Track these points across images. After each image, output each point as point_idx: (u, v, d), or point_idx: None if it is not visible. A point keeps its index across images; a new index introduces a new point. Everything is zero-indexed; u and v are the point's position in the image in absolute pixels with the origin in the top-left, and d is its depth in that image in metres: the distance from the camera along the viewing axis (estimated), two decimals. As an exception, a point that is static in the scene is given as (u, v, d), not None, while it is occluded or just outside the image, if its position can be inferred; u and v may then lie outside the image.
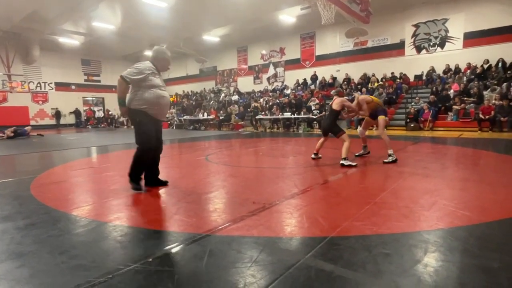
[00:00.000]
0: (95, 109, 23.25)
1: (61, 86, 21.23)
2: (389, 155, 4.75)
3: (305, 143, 8.22)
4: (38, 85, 20.35)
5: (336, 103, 4.94)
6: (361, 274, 1.57)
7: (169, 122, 18.61)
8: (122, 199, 3.12)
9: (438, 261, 1.71)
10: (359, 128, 5.40)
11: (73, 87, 21.86)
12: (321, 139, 5.23)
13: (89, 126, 20.79)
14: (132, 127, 3.41)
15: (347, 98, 4.92)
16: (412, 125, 11.13)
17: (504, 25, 11.69)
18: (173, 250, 1.91)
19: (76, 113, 21.90)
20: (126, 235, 2.20)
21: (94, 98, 23.41)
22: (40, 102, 20.56)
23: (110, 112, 21.74)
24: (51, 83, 20.85)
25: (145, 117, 3.25)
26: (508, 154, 5.58)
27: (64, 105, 21.22)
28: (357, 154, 5.50)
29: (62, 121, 21.17)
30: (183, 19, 14.19)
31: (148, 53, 21.26)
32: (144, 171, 3.46)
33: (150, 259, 1.79)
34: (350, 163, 4.55)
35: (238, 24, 15.22)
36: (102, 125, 20.94)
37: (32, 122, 19.95)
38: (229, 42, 18.47)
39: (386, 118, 4.99)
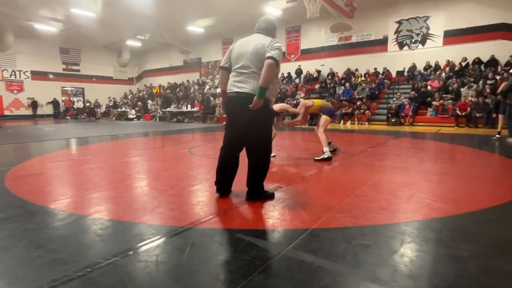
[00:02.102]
0: (75, 99, 22.49)
1: (38, 75, 20.36)
2: (324, 152, 4.67)
3: (289, 137, 8.28)
4: (13, 73, 19.44)
5: (278, 105, 5.03)
6: (340, 265, 1.61)
7: (151, 114, 18.28)
8: (102, 192, 3.06)
9: (414, 251, 1.78)
10: (316, 128, 5.56)
11: (50, 76, 21.00)
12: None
13: (68, 117, 20.11)
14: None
15: (292, 103, 5.15)
16: (393, 120, 11.41)
17: (481, 24, 12.08)
18: (155, 243, 1.89)
19: (54, 103, 21.07)
20: (106, 228, 2.16)
21: (73, 88, 22.60)
22: (15, 91, 19.66)
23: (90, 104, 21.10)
24: (26, 71, 19.94)
25: (270, 109, 2.64)
26: (481, 149, 5.82)
27: (41, 95, 20.37)
28: (330, 150, 5.61)
29: (39, 111, 20.33)
30: (167, 9, 13.84)
31: (132, 43, 20.73)
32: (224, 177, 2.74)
33: (131, 253, 1.77)
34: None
35: (223, 15, 15.01)
36: (82, 116, 20.31)
37: (7, 112, 19.13)
38: (214, 34, 18.20)
39: (329, 119, 5.08)
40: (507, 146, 5.95)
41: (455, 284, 1.44)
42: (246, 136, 2.57)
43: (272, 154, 4.77)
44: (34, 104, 20.11)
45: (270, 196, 2.75)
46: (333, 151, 5.46)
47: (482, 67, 11.92)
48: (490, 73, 11.08)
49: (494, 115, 8.96)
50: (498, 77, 10.74)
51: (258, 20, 2.72)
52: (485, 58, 11.94)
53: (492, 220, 2.23)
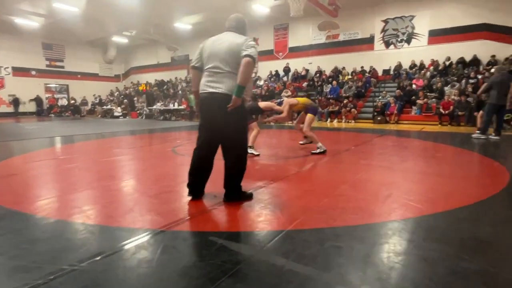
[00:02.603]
0: (59, 96, 21.94)
1: (20, 71, 19.76)
2: (318, 147, 5.01)
3: (276, 135, 8.27)
4: (-7, 69, 18.86)
5: (264, 103, 5.23)
6: (310, 268, 1.60)
7: (138, 112, 18.03)
8: (77, 194, 2.98)
9: (385, 253, 1.78)
10: (295, 123, 5.79)
11: (33, 72, 20.42)
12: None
13: (52, 115, 19.64)
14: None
15: (276, 102, 5.33)
16: (379, 118, 11.54)
17: (464, 24, 12.31)
18: (125, 248, 1.84)
19: (37, 100, 20.52)
20: (76, 232, 2.10)
21: (57, 85, 22.05)
22: (-4, 88, 19.10)
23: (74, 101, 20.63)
24: (7, 67, 19.33)
25: (245, 108, 2.66)
26: (462, 147, 5.94)
27: (24, 92, 19.77)
28: (301, 142, 5.84)
29: (21, 109, 19.76)
30: (154, 5, 13.60)
31: (118, 39, 20.33)
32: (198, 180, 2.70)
33: (98, 258, 1.72)
34: (253, 152, 4.82)
35: (210, 12, 14.85)
36: (66, 114, 19.86)
37: (-13, 110, 18.56)
38: (202, 31, 17.95)
39: (314, 116, 5.27)
40: (486, 144, 6.08)
41: (422, 286, 1.45)
42: (221, 137, 2.53)
43: (256, 153, 4.82)
44: (15, 102, 19.52)
45: (248, 197, 2.72)
46: (303, 144, 5.75)
47: (463, 66, 12.16)
48: (472, 73, 11.31)
49: (475, 113, 9.16)
50: (479, 77, 10.98)
51: (227, 19, 2.66)
52: (468, 57, 12.18)
53: (464, 219, 2.26)
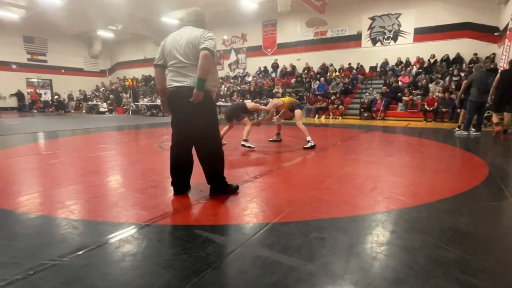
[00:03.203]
0: (42, 91, 21.33)
1: (-1, 65, 19.13)
2: (308, 141, 5.13)
3: (263, 131, 8.28)
4: (-30, 63, 18.17)
5: (251, 104, 5.45)
6: (294, 259, 1.61)
7: (124, 107, 17.73)
8: (60, 189, 2.91)
9: (368, 243, 1.82)
10: (277, 117, 5.91)
11: (14, 66, 19.77)
12: (226, 127, 5.39)
13: (34, 110, 19.09)
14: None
15: (263, 103, 5.55)
16: (365, 115, 11.70)
17: (448, 23, 12.58)
18: (108, 242, 1.82)
19: (18, 95, 19.91)
20: (58, 227, 2.06)
21: (40, 80, 21.43)
22: (-26, 83, 18.42)
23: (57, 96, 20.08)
24: (-14, 61, 18.70)
25: (213, 101, 2.64)
26: (445, 142, 6.09)
27: (3, 87, 19.16)
28: (270, 139, 5.96)
29: (2, 104, 19.17)
30: (140, -2, 13.37)
31: (104, 33, 19.85)
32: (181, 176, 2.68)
33: (81, 252, 1.69)
34: (249, 145, 5.01)
35: (198, 7, 14.59)
36: (50, 110, 19.34)
37: (-35, 105, 17.89)
38: (190, 25, 17.78)
39: (301, 111, 5.54)
40: (468, 140, 6.25)
41: (402, 275, 1.49)
42: (193, 130, 2.51)
43: (253, 146, 5.07)
44: (-5, 96, 18.93)
45: (234, 190, 2.72)
46: (272, 140, 5.90)
47: (447, 64, 12.44)
48: (456, 70, 11.58)
49: (458, 110, 9.39)
50: (463, 74, 11.25)
51: (186, 13, 2.67)
52: (452, 55, 12.46)
53: (444, 211, 2.32)
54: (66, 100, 20.30)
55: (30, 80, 20.93)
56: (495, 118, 7.31)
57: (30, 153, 5.07)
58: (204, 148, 2.55)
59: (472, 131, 6.87)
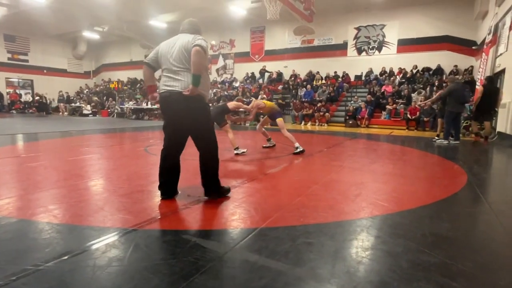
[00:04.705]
0: (22, 92, 20.66)
1: (-23, 64, 18.43)
2: (296, 148, 5.23)
3: (250, 137, 8.31)
4: None
5: (232, 103, 5.41)
6: (282, 263, 1.64)
7: (109, 110, 17.41)
8: (43, 192, 2.84)
9: (353, 248, 1.87)
10: (258, 125, 6.02)
11: (-8, 65, 19.11)
12: None
13: (14, 111, 18.46)
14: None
15: (245, 102, 5.63)
16: (350, 122, 11.94)
17: (429, 35, 13.07)
18: (94, 247, 1.79)
19: (-3, 95, 19.22)
20: (41, 232, 2.01)
21: (20, 80, 20.75)
22: (-51, 81, 17.64)
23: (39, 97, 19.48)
24: (-37, 58, 17.97)
25: (207, 103, 2.65)
26: (426, 150, 6.29)
27: (-19, 86, 18.47)
28: (264, 146, 5.98)
29: (-21, 104, 18.46)
30: (128, 1, 13.24)
31: (89, 34, 19.44)
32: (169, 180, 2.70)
33: (66, 257, 1.66)
34: (242, 151, 5.07)
35: (186, 11, 14.65)
36: (30, 111, 18.74)
37: None
38: (177, 30, 16.93)
39: (282, 119, 5.57)
40: (447, 148, 6.49)
41: (386, 278, 1.53)
42: (190, 133, 2.59)
43: (244, 150, 5.11)
44: (-28, 96, 18.19)
45: (226, 191, 2.79)
46: (272, 146, 5.92)
47: (428, 74, 12.90)
48: (437, 81, 12.00)
49: (439, 119, 9.74)
50: (444, 85, 11.67)
51: (181, 23, 2.75)
52: (433, 66, 12.92)
53: (426, 216, 2.41)
54: (54, 100, 19.64)
55: (10, 80, 20.23)
56: (474, 127, 7.74)
57: (9, 155, 4.90)
58: (205, 148, 2.61)
59: (451, 140, 7.14)
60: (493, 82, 7.98)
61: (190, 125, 2.53)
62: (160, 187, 2.67)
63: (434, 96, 8.45)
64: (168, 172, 2.64)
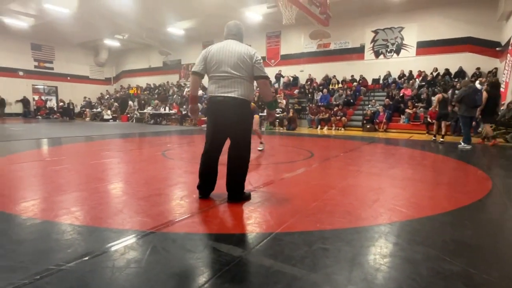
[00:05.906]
0: (47, 98, 21.56)
1: (6, 72, 19.36)
2: (260, 143, 6.05)
3: (266, 141, 8.31)
4: (-23, 69, 18.43)
5: None
6: (298, 269, 1.62)
7: (128, 115, 17.87)
8: (65, 195, 2.94)
9: (371, 254, 1.83)
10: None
11: (21, 73, 20.06)
12: None
13: (39, 117, 19.27)
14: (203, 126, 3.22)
15: None
16: (368, 126, 11.73)
17: (450, 37, 12.71)
18: (113, 248, 1.84)
19: (24, 101, 20.13)
20: (63, 233, 2.08)
21: (45, 87, 21.69)
22: (-20, 88, 18.64)
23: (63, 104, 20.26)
24: (-7, 67, 18.97)
25: (251, 110, 2.94)
26: (446, 155, 6.09)
27: (10, 93, 19.34)
28: (259, 149, 6.10)
29: (7, 110, 19.34)
30: (147, 9, 13.65)
31: (110, 42, 20.14)
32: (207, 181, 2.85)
33: (86, 258, 1.71)
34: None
35: (203, 18, 14.95)
36: (55, 116, 19.52)
37: (-29, 110, 18.08)
38: (195, 36, 18.09)
39: (257, 116, 6.21)
40: (469, 153, 6.25)
41: (405, 286, 1.49)
42: (233, 138, 2.71)
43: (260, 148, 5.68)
44: (1, 102, 19.08)
45: (247, 197, 2.84)
46: (261, 150, 6.16)
47: (449, 77, 12.51)
48: (458, 84, 11.62)
49: (442, 122, 9.44)
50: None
51: (226, 25, 2.76)
52: (454, 69, 12.54)
53: (447, 223, 2.33)
54: (76, 106, 20.37)
55: (36, 86, 21.19)
56: (490, 131, 7.60)
57: (35, 159, 5.12)
58: (241, 155, 2.73)
59: (461, 145, 6.95)
60: (497, 88, 7.77)
61: (237, 129, 2.66)
62: (199, 187, 2.81)
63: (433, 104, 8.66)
64: (208, 175, 2.77)
